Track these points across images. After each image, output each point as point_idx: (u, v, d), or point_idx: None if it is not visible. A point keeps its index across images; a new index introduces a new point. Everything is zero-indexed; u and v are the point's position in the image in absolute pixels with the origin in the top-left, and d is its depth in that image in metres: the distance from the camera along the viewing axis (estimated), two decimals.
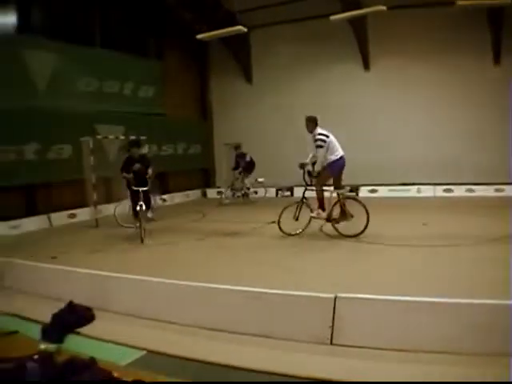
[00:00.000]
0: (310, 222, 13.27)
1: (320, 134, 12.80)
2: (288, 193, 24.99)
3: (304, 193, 13.38)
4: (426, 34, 22.34)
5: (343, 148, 13.08)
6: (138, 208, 13.69)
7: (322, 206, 13.04)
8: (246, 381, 5.11)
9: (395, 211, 17.74)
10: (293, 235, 13.29)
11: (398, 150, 23.41)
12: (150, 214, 14.45)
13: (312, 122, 13.02)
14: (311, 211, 13.19)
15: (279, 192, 25.66)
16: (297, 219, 13.25)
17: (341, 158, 12.94)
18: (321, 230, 13.24)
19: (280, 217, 13.31)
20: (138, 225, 13.77)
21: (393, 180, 23.29)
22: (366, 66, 24.56)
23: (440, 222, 14.56)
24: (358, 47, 24.11)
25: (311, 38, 24.55)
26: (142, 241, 13.45)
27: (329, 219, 13.05)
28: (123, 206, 16.39)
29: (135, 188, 13.76)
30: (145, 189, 13.78)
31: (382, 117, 23.99)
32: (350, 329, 5.81)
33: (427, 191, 22.67)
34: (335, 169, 13.01)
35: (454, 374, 4.90)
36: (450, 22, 21.53)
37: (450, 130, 22.55)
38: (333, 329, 5.85)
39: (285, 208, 13.40)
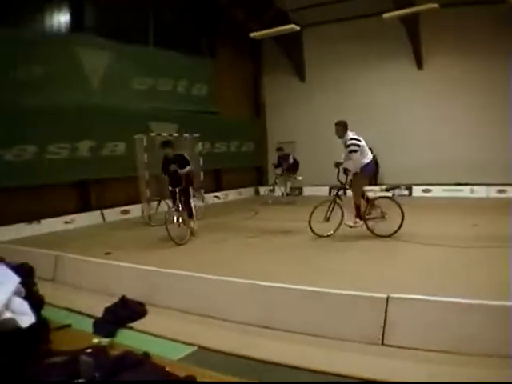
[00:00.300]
0: (341, 223, 12.94)
1: (352, 139, 12.39)
2: (341, 191, 24.89)
3: (337, 192, 13.28)
4: (479, 33, 21.96)
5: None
6: (175, 208, 13.57)
7: (359, 214, 12.73)
8: (298, 381, 5.10)
9: (447, 211, 17.52)
10: (324, 237, 12.96)
11: (451, 149, 23.04)
12: (192, 224, 14.14)
13: (342, 127, 12.53)
14: (342, 215, 13.00)
15: (332, 190, 25.56)
16: (328, 219, 12.96)
17: (371, 160, 12.66)
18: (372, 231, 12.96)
19: (311, 216, 12.94)
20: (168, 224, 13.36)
21: (446, 180, 23.01)
22: (419, 64, 24.27)
23: (491, 222, 14.23)
24: (410, 45, 23.81)
25: (363, 36, 24.36)
26: (174, 241, 13.11)
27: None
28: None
29: (171, 188, 13.69)
30: (181, 188, 13.60)
31: (435, 116, 23.67)
32: (402, 329, 5.76)
33: (480, 191, 22.33)
34: (367, 172, 12.80)
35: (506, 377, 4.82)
36: (502, 21, 21.16)
37: (504, 130, 22.17)
38: (384, 329, 5.80)
39: (316, 207, 13.05)
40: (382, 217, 12.66)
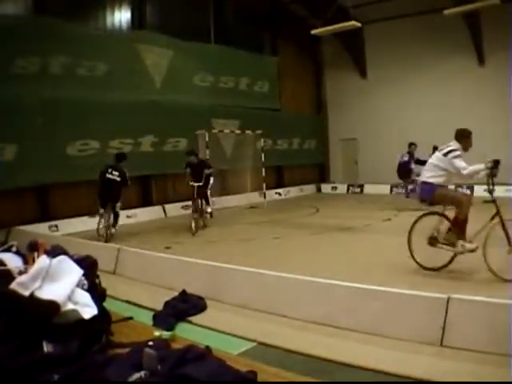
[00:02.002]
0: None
1: None
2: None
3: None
4: None
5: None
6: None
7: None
8: (359, 380, 5.07)
9: None
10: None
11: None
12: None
13: None
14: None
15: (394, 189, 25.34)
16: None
17: None
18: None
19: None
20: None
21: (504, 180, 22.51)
22: (481, 61, 23.88)
23: None
24: (471, 42, 23.47)
25: (424, 32, 24.17)
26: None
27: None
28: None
29: None
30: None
31: (497, 113, 23.22)
32: (462, 331, 5.66)
33: None
34: None
35: None
36: None
37: None
38: (444, 330, 5.72)
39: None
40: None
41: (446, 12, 19.23)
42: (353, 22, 19.71)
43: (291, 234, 14.11)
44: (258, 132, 20.55)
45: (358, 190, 25.50)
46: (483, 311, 5.71)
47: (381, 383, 4.99)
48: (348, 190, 24.08)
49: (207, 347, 2.48)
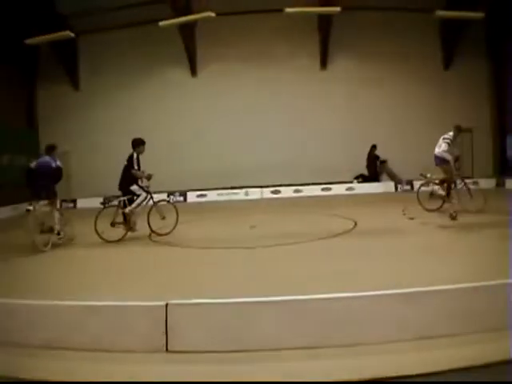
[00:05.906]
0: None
1: None
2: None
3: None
4: (255, 39, 23.18)
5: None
6: None
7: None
8: None
9: (223, 214, 18.06)
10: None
11: (228, 155, 23.94)
12: None
13: None
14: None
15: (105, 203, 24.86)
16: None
17: None
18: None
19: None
20: None
21: (222, 184, 23.76)
22: (194, 71, 24.96)
23: (268, 223, 14.89)
24: (186, 54, 24.43)
25: (141, 44, 25.06)
26: None
27: None
28: None
29: None
30: None
31: (212, 124, 24.43)
32: (185, 334, 5.84)
33: (255, 193, 23.28)
34: None
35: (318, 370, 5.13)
36: (281, 29, 22.49)
37: (283, 133, 23.43)
38: (167, 336, 5.89)
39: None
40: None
41: (162, 24, 19.73)
42: (66, 32, 19.51)
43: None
44: None
45: (71, 205, 24.95)
46: (203, 313, 6.00)
47: None
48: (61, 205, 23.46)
49: None
